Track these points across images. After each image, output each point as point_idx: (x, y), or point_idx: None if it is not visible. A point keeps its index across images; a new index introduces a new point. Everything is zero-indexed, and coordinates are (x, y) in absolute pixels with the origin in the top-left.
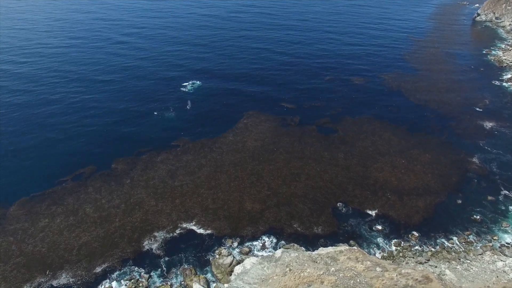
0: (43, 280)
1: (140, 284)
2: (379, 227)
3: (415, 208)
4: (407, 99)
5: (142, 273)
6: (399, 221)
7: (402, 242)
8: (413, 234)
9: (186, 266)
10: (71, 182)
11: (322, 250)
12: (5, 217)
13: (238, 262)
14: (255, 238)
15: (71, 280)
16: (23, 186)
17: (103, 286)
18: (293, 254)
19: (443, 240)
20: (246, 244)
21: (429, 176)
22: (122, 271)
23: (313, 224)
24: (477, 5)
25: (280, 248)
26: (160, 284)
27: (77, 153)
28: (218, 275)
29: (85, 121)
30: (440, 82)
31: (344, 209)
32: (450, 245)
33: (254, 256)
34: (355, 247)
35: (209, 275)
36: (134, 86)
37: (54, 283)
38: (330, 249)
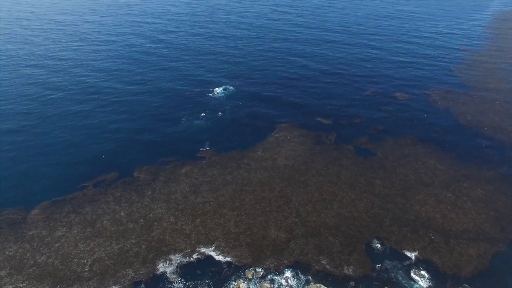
0: None
1: None
2: (420, 275)
3: (466, 256)
4: (457, 121)
5: None
6: (445, 270)
7: None
8: None
9: None
10: (92, 188)
11: None
12: (25, 221)
13: None
14: (278, 272)
15: None
16: (46, 189)
17: None
18: None
19: None
20: (268, 277)
21: (482, 217)
22: None
23: (343, 262)
24: None
25: None
26: None
27: (101, 159)
28: None
29: (112, 126)
30: (497, 103)
31: (379, 247)
32: None
33: None
34: None
35: None
36: (165, 90)
37: None
38: None
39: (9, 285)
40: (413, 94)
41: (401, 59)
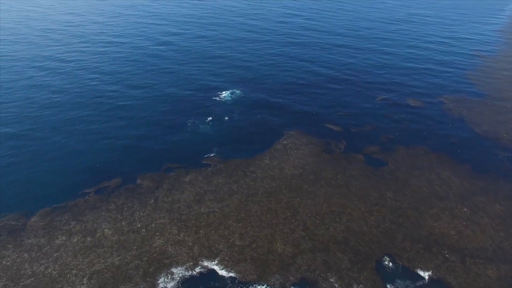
0: None
1: None
2: None
3: (484, 277)
4: (472, 130)
5: None
6: None
7: None
8: None
9: None
10: (94, 195)
11: None
12: (24, 229)
13: None
14: None
15: None
16: (48, 195)
17: None
18: None
19: None
20: None
21: (501, 234)
22: None
23: (353, 280)
24: None
25: None
26: None
27: (104, 165)
28: None
29: (116, 131)
30: None
31: (390, 265)
32: None
33: None
34: None
35: None
36: (171, 94)
37: None
38: None
39: None
40: (426, 102)
41: (413, 65)
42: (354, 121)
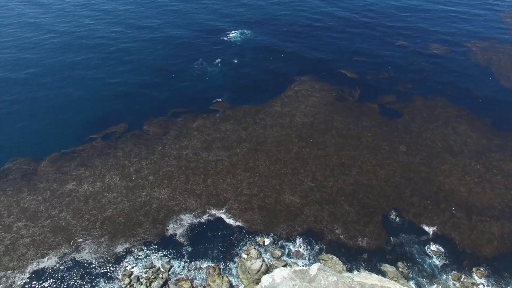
0: (67, 251)
1: (160, 275)
2: (436, 251)
3: (488, 234)
4: (498, 81)
5: (163, 262)
6: (463, 247)
7: (463, 277)
8: (479, 270)
9: (210, 263)
10: (101, 141)
11: (365, 278)
12: (36, 173)
13: (268, 269)
14: (289, 239)
15: (93, 256)
16: (56, 140)
17: (123, 270)
18: (331, 278)
19: None
20: (279, 243)
21: (511, 193)
22: (143, 255)
23: (358, 233)
24: None
25: (316, 260)
26: (181, 278)
27: (111, 109)
28: (243, 281)
29: (120, 74)
30: None
31: (397, 219)
32: None
33: (286, 265)
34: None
35: (233, 278)
36: (177, 34)
37: (77, 256)
38: (375, 278)
39: (26, 237)
40: (451, 48)
41: (441, 6)
42: (371, 68)
